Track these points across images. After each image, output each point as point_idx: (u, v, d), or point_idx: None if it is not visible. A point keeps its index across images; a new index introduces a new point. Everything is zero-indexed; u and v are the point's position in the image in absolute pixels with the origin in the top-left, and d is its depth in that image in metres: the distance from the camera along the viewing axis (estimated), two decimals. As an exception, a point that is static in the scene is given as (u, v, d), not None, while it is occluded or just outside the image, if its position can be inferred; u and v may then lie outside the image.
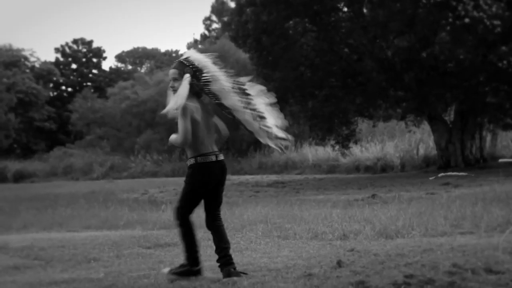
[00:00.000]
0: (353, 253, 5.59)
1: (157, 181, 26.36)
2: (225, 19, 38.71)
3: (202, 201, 4.98)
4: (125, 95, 41.83)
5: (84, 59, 57.96)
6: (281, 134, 4.94)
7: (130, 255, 6.49)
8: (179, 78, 4.90)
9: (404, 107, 21.80)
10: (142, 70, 61.64)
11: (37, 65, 55.66)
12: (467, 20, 16.52)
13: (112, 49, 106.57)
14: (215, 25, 53.82)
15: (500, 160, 21.52)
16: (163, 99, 40.59)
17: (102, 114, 43.68)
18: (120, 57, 65.78)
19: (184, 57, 5.06)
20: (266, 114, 4.93)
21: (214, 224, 4.97)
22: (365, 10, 21.12)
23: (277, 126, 4.94)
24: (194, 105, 4.83)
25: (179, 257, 6.04)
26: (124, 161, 35.44)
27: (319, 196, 13.99)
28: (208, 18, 53.83)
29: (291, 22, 21.56)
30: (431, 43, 19.28)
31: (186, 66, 4.93)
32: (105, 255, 6.52)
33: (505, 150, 23.41)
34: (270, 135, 4.92)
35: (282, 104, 25.34)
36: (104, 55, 58.97)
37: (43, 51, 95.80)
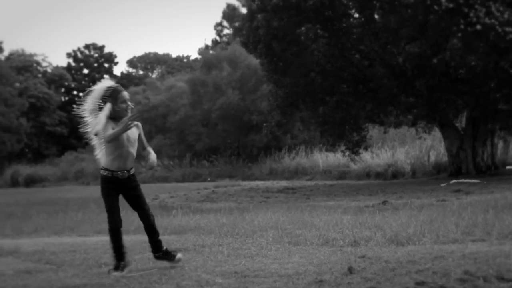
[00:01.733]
0: (364, 260, 5.58)
1: (167, 186, 26.41)
2: (236, 24, 38.84)
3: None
4: (136, 100, 41.99)
5: (95, 64, 58.39)
6: None
7: (141, 260, 6.51)
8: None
9: (415, 114, 21.72)
10: (154, 76, 61.92)
11: (49, 70, 56.14)
12: (478, 26, 16.45)
13: (124, 54, 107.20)
14: (226, 31, 54.06)
15: (508, 167, 21.40)
16: (173, 104, 40.28)
17: (113, 119, 43.91)
18: (131, 62, 66.17)
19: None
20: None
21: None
22: (376, 16, 21.08)
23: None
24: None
25: (190, 262, 6.05)
26: (135, 166, 35.48)
27: (329, 202, 13.96)
28: (219, 24, 54.07)
29: (302, 28, 21.55)
30: (443, 49, 19.23)
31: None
32: (116, 260, 6.52)
33: (517, 157, 23.27)
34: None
35: (292, 110, 25.24)
36: (116, 60, 59.49)
37: (55, 56, 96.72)
